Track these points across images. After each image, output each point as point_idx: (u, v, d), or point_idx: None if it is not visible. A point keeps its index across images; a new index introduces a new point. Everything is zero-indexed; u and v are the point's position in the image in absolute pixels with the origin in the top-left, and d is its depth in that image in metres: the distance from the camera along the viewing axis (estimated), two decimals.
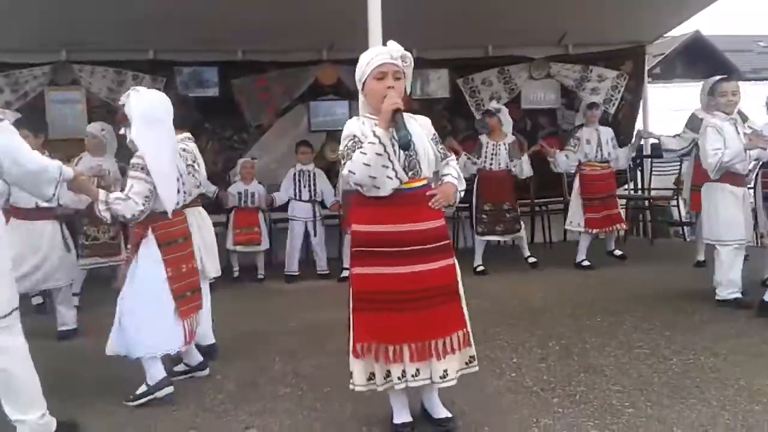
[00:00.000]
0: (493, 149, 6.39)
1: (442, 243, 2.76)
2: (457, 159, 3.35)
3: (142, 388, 3.31)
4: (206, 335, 3.92)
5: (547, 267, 6.54)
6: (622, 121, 8.21)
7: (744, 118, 4.78)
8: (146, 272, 3.29)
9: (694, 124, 6.05)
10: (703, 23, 38.79)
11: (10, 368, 2.64)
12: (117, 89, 7.11)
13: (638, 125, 8.21)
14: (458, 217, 7.26)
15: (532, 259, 6.59)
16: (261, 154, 7.53)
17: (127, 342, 3.27)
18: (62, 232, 4.46)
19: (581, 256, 6.47)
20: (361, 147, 2.61)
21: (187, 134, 3.83)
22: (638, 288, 5.45)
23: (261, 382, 3.53)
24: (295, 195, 6.62)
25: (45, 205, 3.85)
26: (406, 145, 2.55)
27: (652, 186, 8.32)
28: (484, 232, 6.42)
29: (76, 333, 4.57)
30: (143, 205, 3.18)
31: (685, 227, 8.19)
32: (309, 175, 6.64)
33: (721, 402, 3.00)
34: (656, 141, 6.77)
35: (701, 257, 6.18)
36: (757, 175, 4.81)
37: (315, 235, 6.62)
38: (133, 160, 3.24)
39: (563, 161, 6.51)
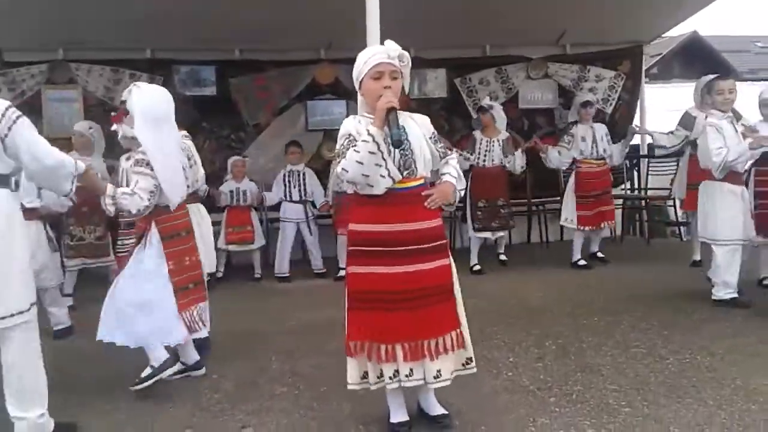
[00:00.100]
0: (487, 146, 6.40)
1: (438, 243, 2.76)
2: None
3: (147, 371, 3.34)
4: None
5: (545, 266, 6.55)
6: (619, 121, 8.22)
7: (738, 117, 4.79)
8: (148, 265, 3.34)
9: (687, 122, 6.06)
10: (701, 24, 38.99)
11: (21, 365, 2.65)
12: (114, 88, 7.12)
13: (636, 123, 8.21)
14: (455, 216, 7.27)
15: (503, 257, 6.63)
16: (258, 153, 7.53)
17: (128, 332, 3.30)
18: (47, 233, 4.44)
19: (576, 255, 6.48)
20: (355, 145, 2.61)
21: (184, 132, 3.84)
22: (635, 288, 5.45)
23: (258, 382, 3.52)
24: (286, 196, 6.61)
25: (29, 205, 3.86)
26: (398, 143, 2.56)
27: (648, 186, 8.33)
28: (480, 229, 6.43)
29: (72, 330, 4.57)
30: (148, 200, 3.23)
31: (681, 227, 8.20)
32: (299, 176, 6.64)
33: (717, 401, 3.00)
34: (650, 138, 6.79)
35: (697, 257, 6.19)
36: (749, 172, 4.82)
37: (311, 233, 6.62)
38: (138, 156, 3.28)
39: (555, 157, 6.50)
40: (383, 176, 2.62)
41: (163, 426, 3.00)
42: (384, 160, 2.60)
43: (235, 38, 7.16)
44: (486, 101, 6.74)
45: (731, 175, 4.62)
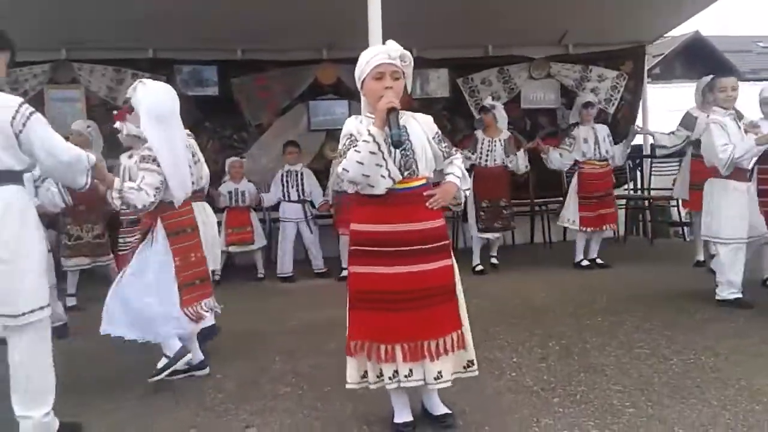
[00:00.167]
0: (489, 145, 6.38)
1: (440, 243, 2.75)
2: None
3: (163, 362, 3.39)
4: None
5: (547, 267, 6.55)
6: (621, 122, 8.21)
7: (740, 116, 4.78)
8: (154, 260, 3.37)
9: (688, 122, 6.06)
10: (703, 24, 38.90)
11: (30, 365, 2.65)
12: (116, 88, 7.14)
13: (638, 124, 8.21)
14: (457, 216, 7.26)
15: (495, 261, 6.61)
16: (260, 153, 7.54)
17: (135, 326, 3.36)
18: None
19: (579, 256, 6.48)
20: (356, 145, 2.61)
21: (187, 131, 3.84)
22: (639, 288, 5.44)
23: (261, 382, 3.52)
24: (284, 196, 6.62)
25: None
26: (398, 144, 2.55)
27: (651, 186, 8.32)
28: (483, 229, 6.42)
29: (67, 329, 4.54)
30: (154, 196, 3.27)
31: (684, 227, 8.18)
32: (297, 176, 6.64)
33: (721, 402, 3.00)
34: (651, 139, 6.78)
35: (700, 257, 6.19)
36: (752, 171, 4.80)
37: (311, 232, 6.61)
38: (144, 153, 3.31)
39: (556, 159, 6.50)
40: (384, 176, 2.61)
41: (166, 426, 3.00)
42: (384, 160, 2.59)
43: (237, 38, 7.16)
44: (488, 101, 6.74)
45: (736, 172, 4.59)
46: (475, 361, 2.82)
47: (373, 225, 2.70)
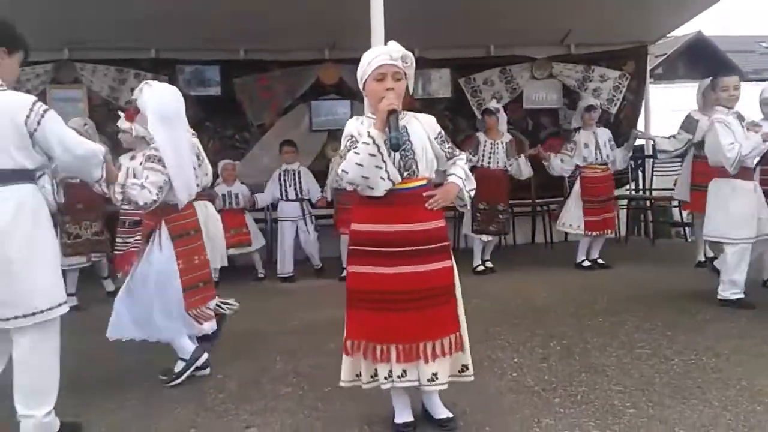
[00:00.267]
0: (492, 148, 6.38)
1: (440, 244, 2.74)
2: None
3: (180, 365, 3.45)
4: None
5: (549, 267, 6.55)
6: (623, 122, 8.21)
7: (741, 118, 4.77)
8: (160, 264, 3.39)
9: (689, 125, 6.05)
10: (706, 24, 38.81)
11: (34, 365, 2.65)
12: (119, 88, 7.16)
13: (640, 126, 8.20)
14: (456, 217, 7.25)
15: (489, 264, 6.59)
16: (262, 153, 7.55)
17: (146, 328, 3.40)
18: None
19: (581, 256, 6.49)
20: (355, 147, 2.61)
21: (191, 130, 3.86)
22: (640, 288, 5.44)
23: (262, 382, 3.52)
24: (282, 195, 6.62)
25: None
26: (396, 146, 2.55)
27: (653, 186, 8.31)
28: (477, 230, 6.41)
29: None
30: (156, 195, 3.28)
31: (686, 228, 8.17)
32: (294, 174, 6.64)
33: (722, 402, 3.00)
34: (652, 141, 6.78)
35: (702, 257, 6.18)
36: (753, 171, 4.79)
37: (309, 232, 6.61)
38: (150, 152, 3.33)
39: (558, 165, 6.53)
40: (383, 178, 2.61)
41: (167, 426, 3.00)
42: (384, 162, 2.59)
43: (240, 38, 7.17)
44: (493, 104, 6.73)
45: (742, 171, 4.57)
46: (470, 366, 2.81)
47: (372, 225, 2.70)
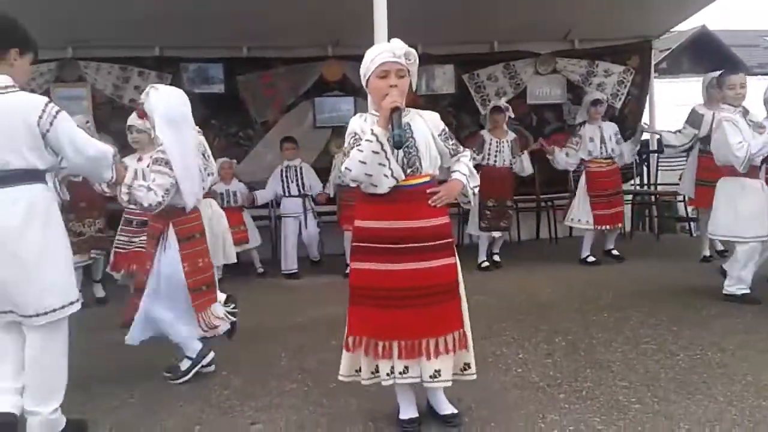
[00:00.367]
0: (497, 146, 6.37)
1: (444, 241, 2.73)
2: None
3: (186, 363, 3.48)
4: None
5: (553, 263, 6.54)
6: (628, 116, 8.18)
7: (745, 112, 4.74)
8: (167, 267, 3.42)
9: (694, 120, 6.03)
10: (710, 18, 38.66)
11: (43, 363, 2.66)
12: (122, 86, 7.15)
13: (645, 120, 8.18)
14: (460, 214, 7.25)
15: (497, 258, 6.62)
16: (266, 150, 7.54)
17: (157, 329, 3.47)
18: None
19: (585, 252, 6.47)
20: (359, 144, 2.61)
21: (196, 128, 3.87)
22: (645, 283, 5.43)
23: (267, 378, 3.53)
24: (285, 191, 6.62)
25: None
26: (398, 144, 2.55)
27: (658, 181, 8.29)
28: (486, 228, 6.41)
29: None
30: (162, 197, 3.30)
31: (691, 223, 8.16)
32: (296, 170, 6.65)
33: (728, 397, 2.99)
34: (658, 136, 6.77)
35: (707, 252, 6.17)
36: (759, 169, 4.76)
37: (307, 227, 6.61)
38: (157, 155, 3.35)
39: (563, 159, 6.53)
40: (386, 176, 2.61)
41: (172, 423, 3.01)
42: (387, 159, 2.59)
43: (243, 36, 7.16)
44: (502, 102, 6.72)
45: (750, 170, 4.55)
46: (472, 365, 2.81)
47: (375, 222, 2.70)
